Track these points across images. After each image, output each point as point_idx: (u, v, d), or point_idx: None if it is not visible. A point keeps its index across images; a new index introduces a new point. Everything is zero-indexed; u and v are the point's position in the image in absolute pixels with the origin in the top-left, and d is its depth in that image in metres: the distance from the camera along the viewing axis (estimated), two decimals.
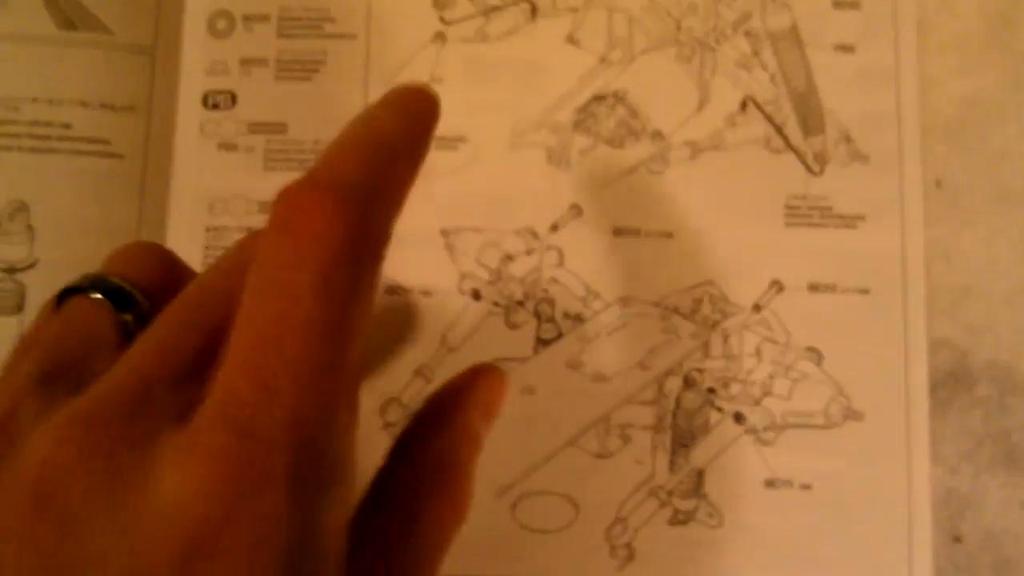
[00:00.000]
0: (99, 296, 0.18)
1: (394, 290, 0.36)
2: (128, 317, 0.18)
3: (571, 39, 0.37)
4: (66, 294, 0.19)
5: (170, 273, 0.20)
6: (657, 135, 0.37)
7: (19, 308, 0.35)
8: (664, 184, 0.36)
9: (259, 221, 0.36)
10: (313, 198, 0.15)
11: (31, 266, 0.36)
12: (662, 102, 0.37)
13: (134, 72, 0.37)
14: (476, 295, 0.36)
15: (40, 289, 0.35)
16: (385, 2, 0.37)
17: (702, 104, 0.37)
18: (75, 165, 0.36)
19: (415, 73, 0.37)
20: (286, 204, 0.15)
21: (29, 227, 0.36)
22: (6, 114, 0.36)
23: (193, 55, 0.37)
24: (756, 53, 0.37)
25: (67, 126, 0.36)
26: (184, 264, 0.21)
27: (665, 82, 0.37)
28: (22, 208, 0.36)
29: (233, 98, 0.37)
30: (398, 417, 0.35)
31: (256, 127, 0.37)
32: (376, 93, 0.37)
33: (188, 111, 0.37)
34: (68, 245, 0.36)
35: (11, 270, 0.36)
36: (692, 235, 0.36)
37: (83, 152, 0.36)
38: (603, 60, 0.37)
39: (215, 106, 0.37)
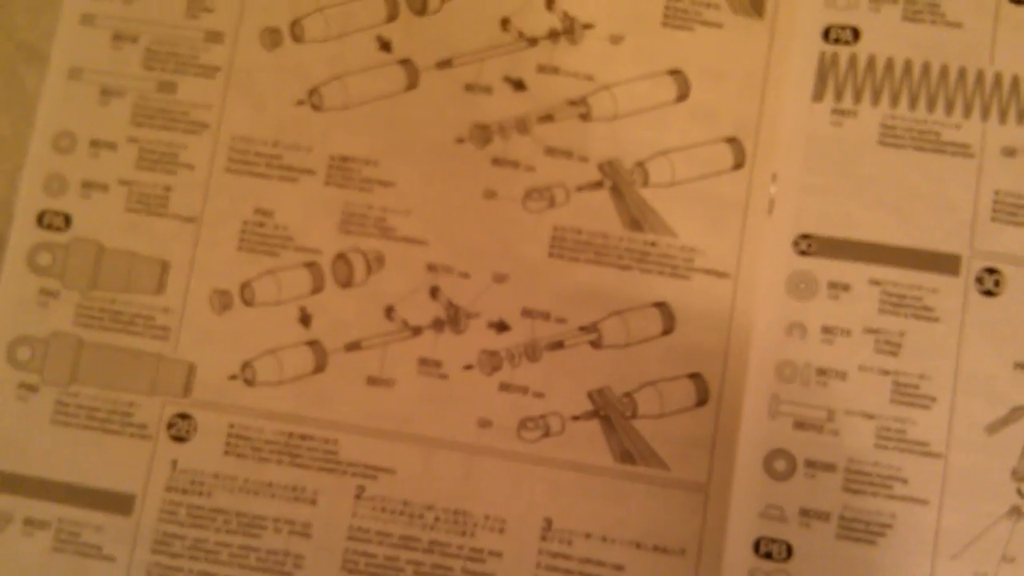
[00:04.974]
0: None
1: None
2: None
3: None
4: None
5: None
6: None
7: None
8: None
9: None
10: None
11: None
12: None
13: (687, 512, 0.35)
14: None
15: None
16: (962, 467, 0.35)
17: None
18: None
19: (984, 549, 0.35)
20: None
21: None
22: (559, 547, 0.35)
23: (746, 495, 0.35)
24: None
25: (619, 568, 0.35)
26: None
27: None
28: None
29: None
30: None
31: None
32: (944, 570, 0.35)
33: (737, 557, 0.35)
34: None
35: None
36: None
37: None
38: None
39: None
